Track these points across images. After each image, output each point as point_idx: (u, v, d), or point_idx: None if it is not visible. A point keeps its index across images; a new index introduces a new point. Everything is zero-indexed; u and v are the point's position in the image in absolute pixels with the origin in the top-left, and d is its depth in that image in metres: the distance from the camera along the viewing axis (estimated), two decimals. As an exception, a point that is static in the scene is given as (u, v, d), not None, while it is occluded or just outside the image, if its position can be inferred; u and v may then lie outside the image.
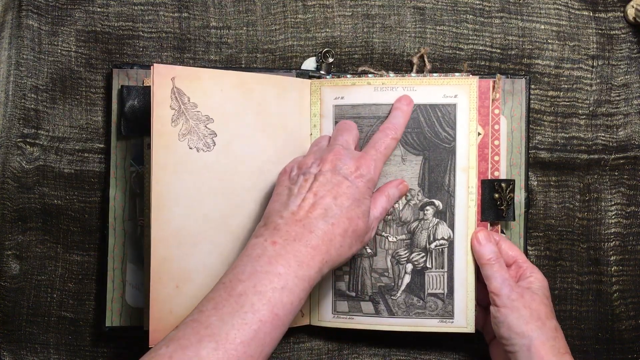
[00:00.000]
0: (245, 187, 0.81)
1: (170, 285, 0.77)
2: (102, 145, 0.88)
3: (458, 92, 0.82)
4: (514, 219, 0.85)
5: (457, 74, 0.84)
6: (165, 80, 0.76)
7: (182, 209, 0.77)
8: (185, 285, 0.77)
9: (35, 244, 0.88)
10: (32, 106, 0.88)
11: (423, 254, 0.84)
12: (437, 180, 0.83)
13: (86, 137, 0.88)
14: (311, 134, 0.86)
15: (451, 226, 0.83)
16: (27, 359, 0.88)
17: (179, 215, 0.77)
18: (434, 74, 0.85)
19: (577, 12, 0.90)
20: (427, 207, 0.83)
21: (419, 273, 0.84)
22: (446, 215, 0.83)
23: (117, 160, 0.87)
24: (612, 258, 0.89)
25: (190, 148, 0.78)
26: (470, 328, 0.83)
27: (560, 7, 0.90)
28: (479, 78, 0.84)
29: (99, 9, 0.89)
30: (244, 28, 0.90)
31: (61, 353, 0.89)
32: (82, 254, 0.89)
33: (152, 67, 0.76)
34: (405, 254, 0.84)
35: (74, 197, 0.88)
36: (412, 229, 0.84)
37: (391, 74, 0.85)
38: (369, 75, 0.85)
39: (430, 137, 0.83)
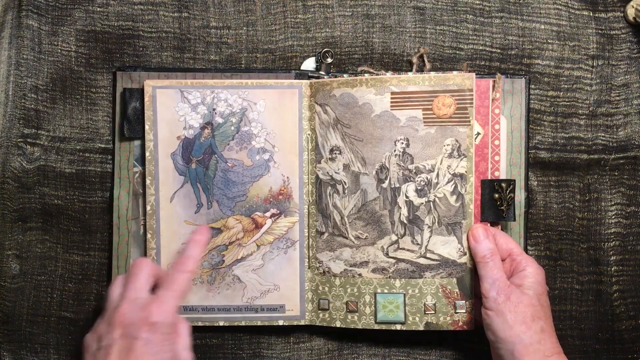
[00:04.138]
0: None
1: None
2: (103, 145, 0.88)
3: None
4: (514, 219, 0.85)
5: (455, 72, 0.84)
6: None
7: None
8: None
9: (35, 244, 0.88)
10: (33, 106, 0.88)
11: None
12: None
13: (87, 137, 0.88)
14: (308, 134, 0.87)
15: None
16: (27, 359, 0.88)
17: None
18: (431, 72, 0.85)
19: (577, 12, 0.90)
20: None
21: None
22: None
23: (121, 161, 0.87)
24: (612, 258, 0.89)
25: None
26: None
27: (560, 7, 0.90)
28: (479, 77, 0.84)
29: (99, 9, 0.89)
30: (244, 28, 0.90)
31: (61, 353, 0.89)
32: (82, 254, 0.89)
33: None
34: None
35: (75, 197, 0.88)
36: None
37: (388, 73, 0.85)
38: (365, 75, 0.85)
39: None
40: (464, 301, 0.84)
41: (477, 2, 0.90)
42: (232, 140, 0.86)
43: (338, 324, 0.86)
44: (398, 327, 0.85)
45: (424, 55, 0.89)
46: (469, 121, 0.83)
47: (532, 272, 0.79)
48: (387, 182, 0.84)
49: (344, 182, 0.85)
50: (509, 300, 0.77)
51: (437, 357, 0.90)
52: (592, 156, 0.89)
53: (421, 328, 0.84)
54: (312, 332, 0.90)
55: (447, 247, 0.84)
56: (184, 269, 0.77)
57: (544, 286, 0.80)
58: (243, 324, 0.87)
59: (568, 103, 0.90)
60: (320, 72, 0.88)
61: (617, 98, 0.90)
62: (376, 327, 0.85)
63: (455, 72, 0.83)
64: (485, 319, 0.78)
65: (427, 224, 0.84)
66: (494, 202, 0.84)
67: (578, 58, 0.90)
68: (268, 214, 0.87)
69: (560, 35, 0.90)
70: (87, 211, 0.88)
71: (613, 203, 0.90)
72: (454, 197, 0.83)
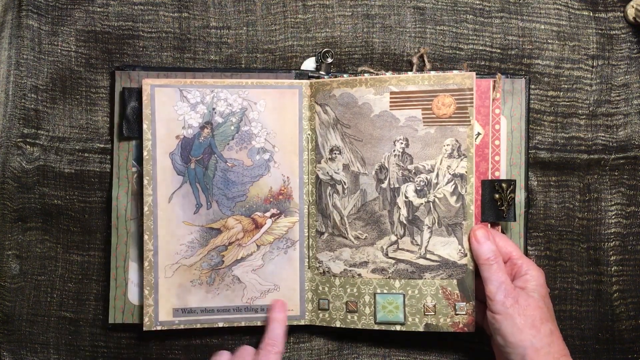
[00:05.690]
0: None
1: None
2: (102, 145, 0.88)
3: None
4: (514, 220, 0.85)
5: (455, 71, 0.84)
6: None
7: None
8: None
9: (35, 244, 0.88)
10: (32, 106, 0.88)
11: None
12: None
13: (86, 137, 0.88)
14: (309, 134, 0.87)
15: None
16: (27, 359, 0.88)
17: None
18: (432, 72, 0.84)
19: (577, 12, 0.90)
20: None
21: None
22: None
23: (120, 161, 0.87)
24: (612, 258, 0.89)
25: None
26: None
27: (560, 7, 0.90)
28: (479, 77, 0.84)
29: (99, 9, 0.89)
30: (244, 28, 0.90)
31: (61, 353, 0.89)
32: (82, 254, 0.89)
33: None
34: None
35: (74, 197, 0.88)
36: None
37: (388, 73, 0.85)
38: (365, 74, 0.85)
39: None
40: (464, 303, 0.83)
41: (477, 2, 0.90)
42: (232, 140, 0.86)
43: (338, 324, 0.86)
44: (398, 327, 0.85)
45: (424, 55, 0.89)
46: (469, 121, 0.82)
47: (534, 275, 0.79)
48: (386, 182, 0.84)
49: (344, 182, 0.85)
50: (517, 303, 0.76)
51: (437, 357, 0.90)
52: (592, 156, 0.89)
53: (421, 329, 0.84)
54: (312, 332, 0.90)
55: (447, 248, 0.83)
56: (277, 350, 0.83)
57: (546, 288, 0.80)
58: (243, 324, 0.87)
59: (568, 103, 0.90)
60: (320, 72, 0.88)
61: (617, 98, 0.90)
62: (376, 327, 0.85)
63: (455, 72, 0.83)
64: (493, 323, 0.77)
65: (426, 225, 0.84)
66: (495, 203, 0.84)
67: (578, 58, 0.90)
68: (268, 214, 0.87)
69: (560, 35, 0.90)
70: (87, 211, 0.88)
71: (613, 203, 0.90)
72: (454, 197, 0.83)
